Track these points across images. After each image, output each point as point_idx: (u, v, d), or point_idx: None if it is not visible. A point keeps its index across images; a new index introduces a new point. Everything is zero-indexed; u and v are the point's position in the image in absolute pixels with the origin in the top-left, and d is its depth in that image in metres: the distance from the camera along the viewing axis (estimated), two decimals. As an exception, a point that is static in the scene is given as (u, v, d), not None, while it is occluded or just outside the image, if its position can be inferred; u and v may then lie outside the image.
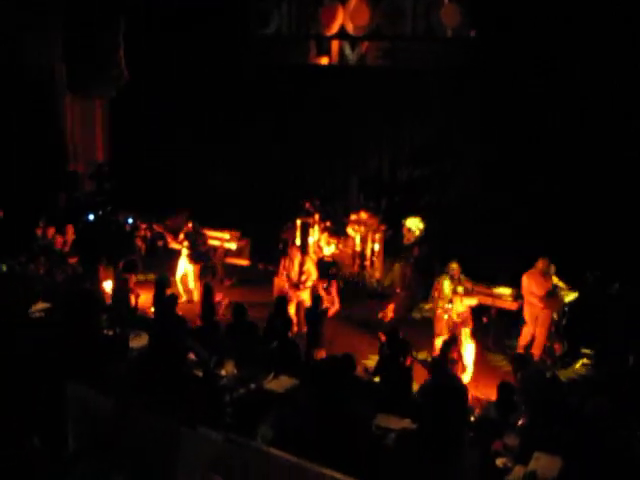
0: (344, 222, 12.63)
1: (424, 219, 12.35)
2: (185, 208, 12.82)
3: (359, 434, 5.59)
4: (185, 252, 11.67)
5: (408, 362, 7.32)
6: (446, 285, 9.41)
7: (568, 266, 10.19)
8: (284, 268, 10.73)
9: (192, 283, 11.67)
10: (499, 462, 5.49)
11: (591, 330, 9.62)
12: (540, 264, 9.58)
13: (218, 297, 9.92)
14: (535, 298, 9.58)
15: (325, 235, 12.35)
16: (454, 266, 9.39)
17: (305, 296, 10.58)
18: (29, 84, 13.60)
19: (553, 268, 9.75)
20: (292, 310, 10.48)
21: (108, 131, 15.41)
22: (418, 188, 12.75)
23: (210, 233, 12.65)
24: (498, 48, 11.56)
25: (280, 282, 11.06)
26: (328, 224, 12.49)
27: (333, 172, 13.62)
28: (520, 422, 6.06)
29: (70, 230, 12.14)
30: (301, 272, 10.60)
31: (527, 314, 9.77)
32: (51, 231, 11.90)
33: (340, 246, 12.40)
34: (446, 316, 9.40)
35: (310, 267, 10.68)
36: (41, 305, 8.91)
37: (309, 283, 10.61)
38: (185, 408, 5.27)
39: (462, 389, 6.54)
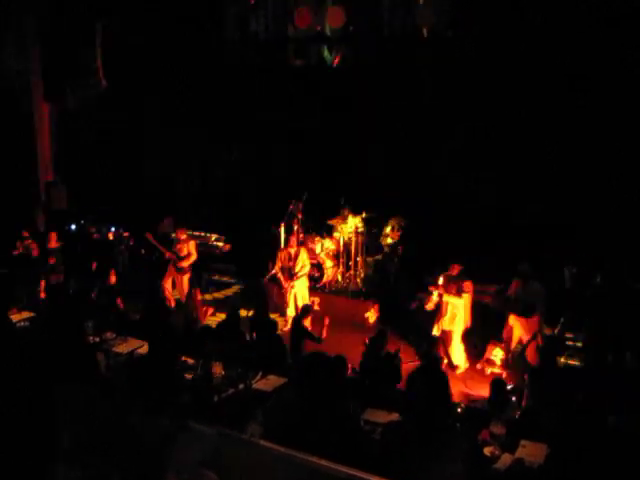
0: (327, 223, 12.68)
1: (407, 218, 12.47)
2: (169, 214, 12.85)
3: (347, 429, 5.62)
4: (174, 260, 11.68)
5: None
6: (442, 281, 9.64)
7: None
8: (279, 259, 11.17)
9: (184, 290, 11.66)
10: (487, 451, 5.57)
11: (577, 322, 9.72)
12: None
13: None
14: None
15: (312, 236, 12.42)
16: (454, 265, 9.63)
17: (299, 287, 11.02)
18: (4, 92, 13.57)
19: None
20: (290, 300, 11.01)
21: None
22: (399, 188, 12.79)
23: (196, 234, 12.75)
24: (475, 47, 11.68)
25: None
26: (311, 226, 12.57)
27: (316, 174, 13.65)
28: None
29: (53, 238, 12.08)
30: (295, 263, 10.94)
31: None
32: (30, 242, 11.85)
33: (324, 247, 12.43)
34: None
35: (305, 258, 11.12)
36: (25, 314, 8.89)
37: (302, 272, 11.02)
38: (176, 408, 5.32)
39: (442, 377, 6.58)
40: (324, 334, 8.76)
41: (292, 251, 11.09)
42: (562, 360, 9.69)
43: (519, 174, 11.52)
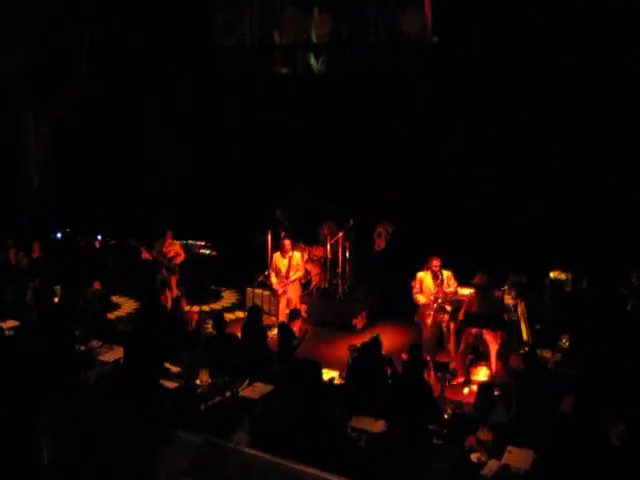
0: (315, 230, 12.69)
1: (393, 223, 12.49)
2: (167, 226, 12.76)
3: (334, 436, 5.62)
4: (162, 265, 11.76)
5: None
6: (428, 280, 9.58)
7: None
8: (274, 265, 11.11)
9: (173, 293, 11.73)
10: (474, 457, 5.58)
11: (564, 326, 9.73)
12: None
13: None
14: None
15: (298, 244, 12.38)
16: (435, 261, 9.55)
17: (291, 293, 11.01)
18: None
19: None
20: (282, 305, 10.93)
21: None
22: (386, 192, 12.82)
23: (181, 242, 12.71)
24: (462, 53, 11.70)
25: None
26: (298, 233, 12.53)
27: (302, 181, 13.69)
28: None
29: (36, 248, 12.06)
30: (290, 266, 10.90)
31: None
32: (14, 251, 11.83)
33: (311, 254, 12.42)
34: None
35: (299, 263, 11.11)
36: (11, 323, 8.85)
37: (295, 277, 11.02)
38: (162, 416, 5.30)
39: (425, 386, 6.60)
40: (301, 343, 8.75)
41: (287, 256, 11.06)
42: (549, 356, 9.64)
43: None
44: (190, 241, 13.21)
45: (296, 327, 9.03)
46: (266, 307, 11.75)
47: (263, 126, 13.53)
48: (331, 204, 12.13)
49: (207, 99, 14.00)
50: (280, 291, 10.99)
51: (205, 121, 14.14)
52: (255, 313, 8.91)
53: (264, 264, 12.09)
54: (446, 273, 9.64)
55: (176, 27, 13.58)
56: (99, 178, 14.58)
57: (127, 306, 12.59)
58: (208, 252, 13.33)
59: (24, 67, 14.03)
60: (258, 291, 12.21)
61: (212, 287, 13.34)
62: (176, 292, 11.57)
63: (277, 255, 11.18)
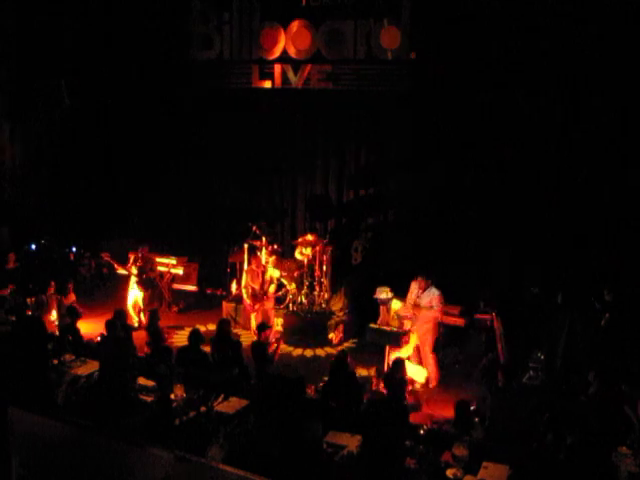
0: (291, 244, 12.69)
1: (368, 239, 12.53)
2: (145, 239, 12.62)
3: (310, 452, 5.59)
4: (134, 279, 11.68)
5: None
6: (410, 294, 9.63)
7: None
8: (247, 280, 11.05)
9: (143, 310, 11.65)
10: (449, 473, 5.58)
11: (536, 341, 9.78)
12: None
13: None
14: None
15: (273, 258, 12.31)
16: (420, 279, 9.56)
17: (266, 307, 10.97)
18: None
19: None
20: (253, 323, 10.82)
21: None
22: (363, 209, 12.87)
23: (157, 259, 12.54)
24: (438, 70, 11.77)
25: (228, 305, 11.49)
26: (275, 247, 12.48)
27: (279, 195, 13.68)
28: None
29: (12, 258, 11.94)
30: (264, 281, 10.93)
31: None
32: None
33: (288, 268, 12.38)
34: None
35: (273, 275, 11.21)
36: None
37: (271, 291, 11.08)
38: (134, 431, 5.23)
39: (402, 402, 6.61)
40: (275, 357, 8.70)
41: (259, 271, 11.02)
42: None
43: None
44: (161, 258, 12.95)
45: (266, 338, 8.99)
46: (241, 320, 11.76)
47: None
48: (310, 218, 12.12)
49: (179, 113, 13.86)
50: (255, 306, 10.96)
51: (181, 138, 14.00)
52: (224, 326, 8.82)
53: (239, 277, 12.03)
54: (434, 292, 9.58)
55: (150, 42, 13.56)
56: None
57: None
58: (181, 269, 13.06)
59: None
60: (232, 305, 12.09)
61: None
62: (150, 306, 11.46)
63: (250, 269, 11.13)
